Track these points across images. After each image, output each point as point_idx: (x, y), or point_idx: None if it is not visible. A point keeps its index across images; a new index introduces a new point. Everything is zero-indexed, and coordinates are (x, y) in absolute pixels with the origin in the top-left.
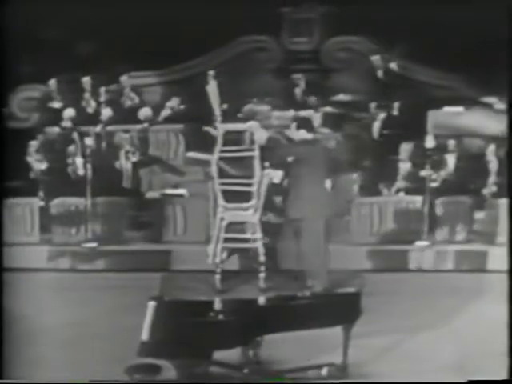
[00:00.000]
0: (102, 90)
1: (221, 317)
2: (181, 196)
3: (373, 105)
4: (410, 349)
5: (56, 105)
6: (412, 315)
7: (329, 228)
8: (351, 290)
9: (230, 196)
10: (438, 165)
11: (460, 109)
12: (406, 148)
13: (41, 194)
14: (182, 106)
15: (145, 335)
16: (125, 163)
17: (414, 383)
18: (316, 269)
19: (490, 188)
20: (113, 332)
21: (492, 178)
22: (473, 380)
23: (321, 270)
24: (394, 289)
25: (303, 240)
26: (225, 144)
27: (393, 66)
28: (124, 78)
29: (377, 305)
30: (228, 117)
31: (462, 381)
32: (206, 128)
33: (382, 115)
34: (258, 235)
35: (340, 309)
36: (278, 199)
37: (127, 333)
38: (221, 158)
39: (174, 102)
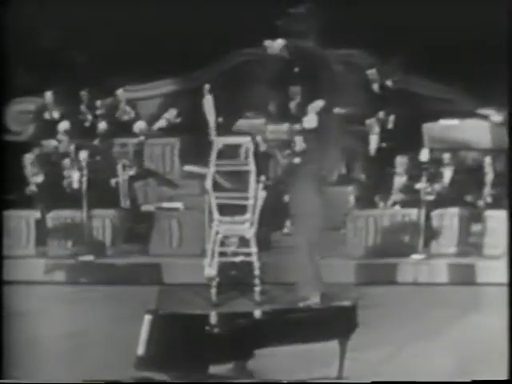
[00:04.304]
0: (98, 103)
1: (216, 330)
2: (176, 209)
3: (368, 118)
4: (406, 362)
5: (51, 118)
6: (407, 329)
7: (322, 240)
8: (347, 303)
9: (225, 210)
10: (434, 178)
11: (456, 122)
12: (401, 161)
13: (37, 206)
14: (178, 119)
15: (141, 349)
16: (121, 176)
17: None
18: (310, 281)
19: (486, 200)
20: (108, 345)
21: (488, 191)
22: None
23: (315, 283)
24: (390, 302)
25: (296, 252)
26: (221, 158)
27: (388, 83)
28: (120, 92)
29: (372, 318)
30: (223, 130)
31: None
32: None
33: (378, 128)
34: (254, 249)
35: (336, 322)
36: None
37: (123, 346)
38: (217, 172)
39: (170, 114)
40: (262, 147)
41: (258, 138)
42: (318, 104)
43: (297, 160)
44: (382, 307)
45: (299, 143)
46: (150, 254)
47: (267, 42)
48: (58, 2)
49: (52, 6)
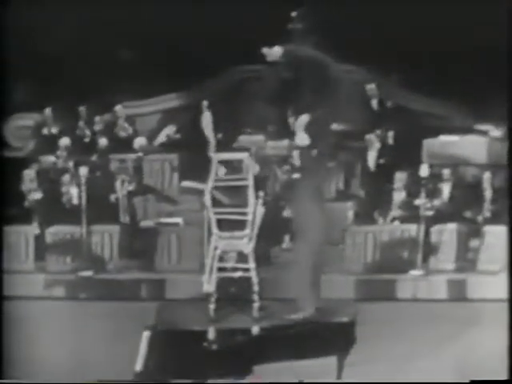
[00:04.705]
0: (97, 119)
1: (215, 346)
2: (176, 225)
3: (368, 134)
4: (403, 378)
5: (50, 134)
6: (406, 344)
7: (321, 255)
8: (345, 319)
9: (224, 225)
10: (433, 193)
11: (455, 138)
12: (400, 177)
13: (36, 222)
14: (178, 135)
15: (139, 365)
16: (120, 192)
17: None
18: (307, 295)
19: (485, 216)
20: (107, 360)
21: (487, 206)
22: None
23: (312, 296)
24: (388, 318)
25: (295, 267)
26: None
27: (387, 99)
28: (118, 108)
29: (371, 334)
30: (223, 146)
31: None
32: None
33: (377, 144)
34: (252, 264)
35: (334, 338)
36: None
37: (121, 361)
38: (215, 187)
39: (170, 130)
40: (261, 163)
41: (257, 154)
42: (304, 119)
43: (296, 175)
44: (380, 323)
45: (297, 159)
46: (150, 270)
47: (265, 50)
48: (58, 3)
49: (52, 7)
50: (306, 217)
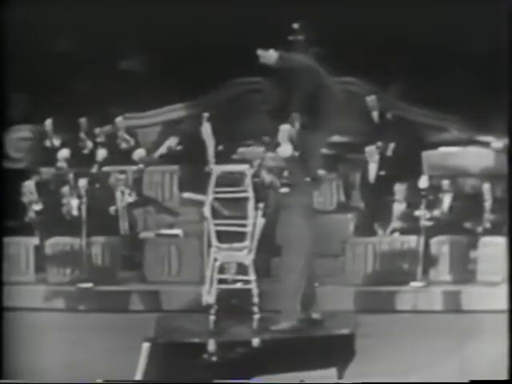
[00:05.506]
0: (97, 131)
1: (214, 358)
2: (175, 236)
3: (368, 146)
4: None
5: (52, 145)
6: (407, 357)
7: (312, 266)
8: (345, 331)
9: (224, 236)
10: (433, 205)
11: (455, 149)
12: (400, 188)
13: (36, 233)
14: (180, 147)
15: (138, 377)
16: (119, 203)
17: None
18: (289, 306)
19: (485, 227)
20: (107, 372)
21: (487, 217)
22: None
23: (293, 307)
24: (389, 330)
25: (282, 274)
26: (219, 185)
27: (387, 111)
28: (119, 119)
29: (371, 346)
30: (223, 158)
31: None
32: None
33: (377, 156)
34: (252, 276)
35: (334, 350)
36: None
37: (121, 372)
38: (215, 199)
39: (172, 142)
40: (261, 174)
41: (258, 166)
42: (285, 129)
43: (284, 189)
44: (381, 335)
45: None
46: (149, 281)
47: (260, 52)
48: (58, 13)
49: (52, 16)
50: (293, 230)
